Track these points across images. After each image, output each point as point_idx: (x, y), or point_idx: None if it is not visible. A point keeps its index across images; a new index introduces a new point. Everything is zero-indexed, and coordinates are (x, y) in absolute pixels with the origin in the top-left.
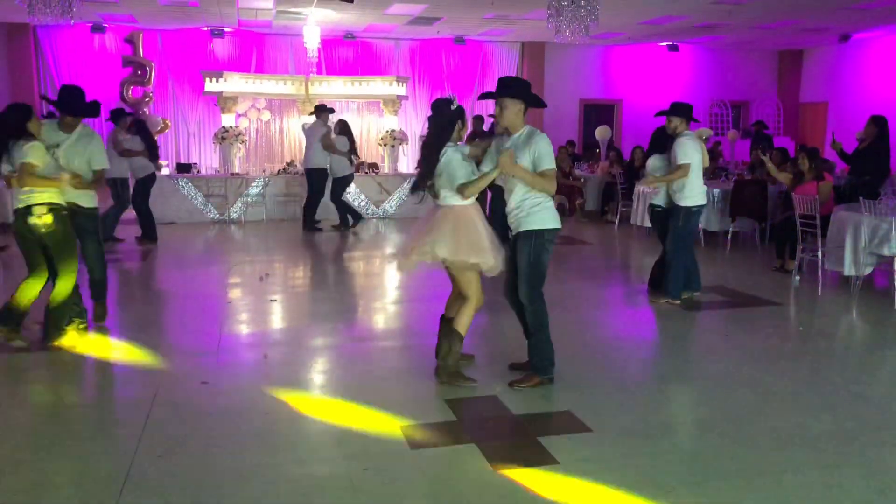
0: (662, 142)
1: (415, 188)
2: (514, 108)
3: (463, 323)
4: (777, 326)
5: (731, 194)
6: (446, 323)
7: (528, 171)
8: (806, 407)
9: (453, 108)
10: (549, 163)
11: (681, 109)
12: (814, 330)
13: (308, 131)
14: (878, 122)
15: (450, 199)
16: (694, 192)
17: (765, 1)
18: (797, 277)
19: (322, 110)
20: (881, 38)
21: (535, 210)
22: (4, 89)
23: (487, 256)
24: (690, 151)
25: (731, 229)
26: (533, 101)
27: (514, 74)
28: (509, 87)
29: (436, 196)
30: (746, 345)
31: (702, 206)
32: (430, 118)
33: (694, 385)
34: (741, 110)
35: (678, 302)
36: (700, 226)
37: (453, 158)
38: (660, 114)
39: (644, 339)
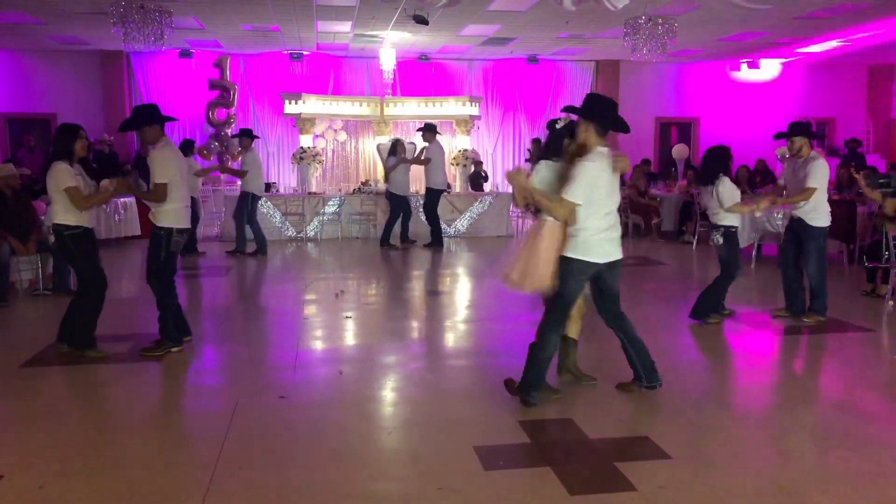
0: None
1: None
2: (582, 127)
3: (574, 329)
4: (868, 354)
5: None
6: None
7: (542, 192)
8: None
9: (557, 126)
10: (569, 191)
11: (803, 129)
12: None
13: (438, 151)
14: None
15: (544, 212)
16: (826, 212)
17: (851, 16)
18: (891, 302)
19: (436, 130)
20: None
21: (570, 237)
22: (99, 112)
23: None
24: (821, 174)
25: None
26: (600, 122)
27: (587, 93)
28: (582, 106)
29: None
30: (836, 373)
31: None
32: None
33: (780, 413)
34: (826, 128)
35: (824, 318)
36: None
37: (538, 173)
38: (779, 136)
39: (725, 364)
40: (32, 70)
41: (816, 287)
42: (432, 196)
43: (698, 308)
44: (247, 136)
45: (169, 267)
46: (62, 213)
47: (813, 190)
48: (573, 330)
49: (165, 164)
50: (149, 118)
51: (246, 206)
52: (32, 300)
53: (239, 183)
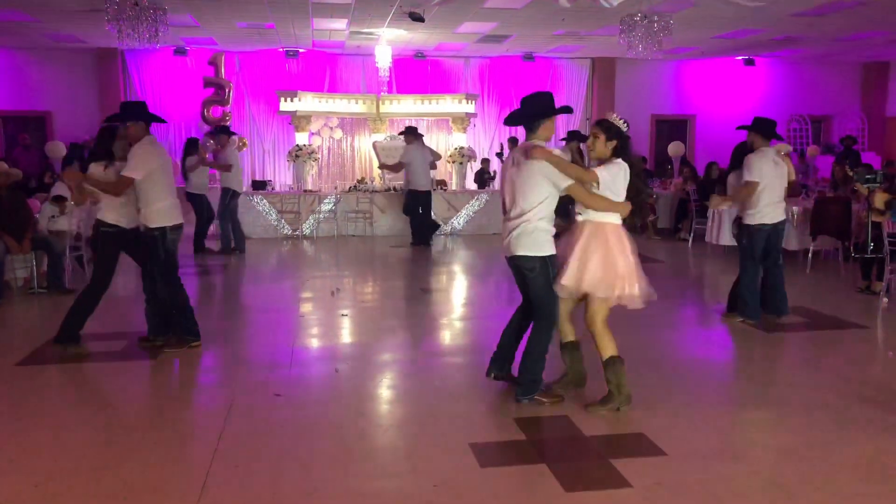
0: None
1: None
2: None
3: (606, 347)
4: (863, 351)
5: (812, 212)
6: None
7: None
8: (894, 438)
9: (625, 129)
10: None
11: (758, 125)
12: None
13: (416, 153)
14: None
15: (590, 214)
16: (759, 211)
17: (848, 13)
18: (885, 299)
19: (417, 132)
20: None
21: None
22: (94, 110)
23: (614, 287)
24: (756, 168)
25: (811, 248)
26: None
27: (583, 91)
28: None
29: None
30: (829, 369)
31: (766, 225)
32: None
33: (774, 409)
34: (822, 125)
35: (752, 322)
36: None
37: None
38: (740, 128)
39: (720, 360)
40: (27, 68)
41: (739, 285)
42: (416, 198)
43: (768, 304)
44: (224, 132)
45: (169, 265)
46: (102, 210)
47: (751, 184)
48: (608, 349)
49: (143, 161)
50: (134, 114)
51: (224, 203)
52: (27, 298)
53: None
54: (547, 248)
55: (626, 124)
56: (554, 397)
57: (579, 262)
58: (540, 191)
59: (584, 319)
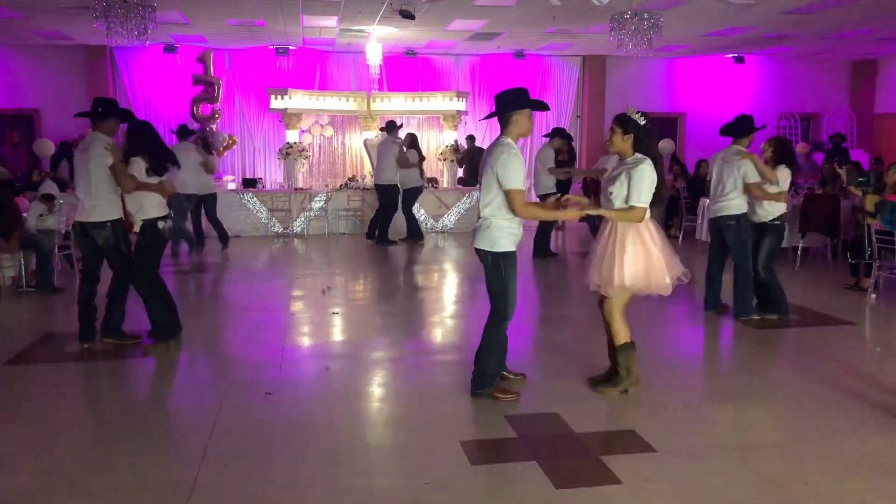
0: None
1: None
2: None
3: (621, 334)
4: (852, 347)
5: (801, 209)
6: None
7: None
8: (883, 433)
9: (642, 122)
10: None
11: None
12: (892, 351)
13: (380, 148)
14: None
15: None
16: (709, 206)
17: (837, 10)
18: (873, 296)
19: (393, 127)
20: None
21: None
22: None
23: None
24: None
25: (800, 245)
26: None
27: (574, 88)
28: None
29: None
30: (819, 366)
31: (711, 220)
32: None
33: (763, 405)
34: (811, 122)
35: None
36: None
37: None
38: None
39: (711, 357)
40: (15, 65)
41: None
42: (381, 192)
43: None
44: (177, 133)
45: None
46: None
47: (707, 183)
48: (620, 337)
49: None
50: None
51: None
52: (16, 297)
53: (227, 178)
54: (501, 245)
55: (643, 118)
56: (510, 394)
57: (618, 259)
58: (491, 188)
59: (601, 310)
